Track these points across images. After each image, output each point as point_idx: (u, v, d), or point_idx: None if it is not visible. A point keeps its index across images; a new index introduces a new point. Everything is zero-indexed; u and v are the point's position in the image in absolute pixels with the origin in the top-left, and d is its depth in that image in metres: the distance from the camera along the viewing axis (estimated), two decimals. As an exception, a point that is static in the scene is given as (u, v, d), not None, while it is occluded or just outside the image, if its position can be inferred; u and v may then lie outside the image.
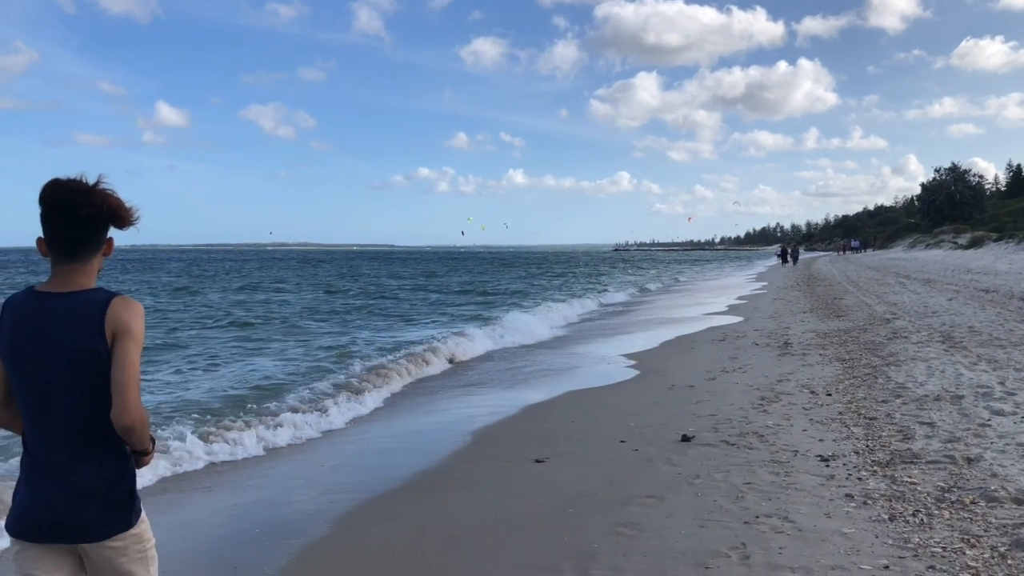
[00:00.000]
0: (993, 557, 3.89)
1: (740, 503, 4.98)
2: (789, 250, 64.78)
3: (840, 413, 7.44)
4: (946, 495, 4.84)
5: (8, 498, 2.38)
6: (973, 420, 6.63)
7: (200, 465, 6.92)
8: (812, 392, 8.56)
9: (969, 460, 5.51)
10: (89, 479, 2.25)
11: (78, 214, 2.21)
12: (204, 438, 7.49)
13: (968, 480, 5.09)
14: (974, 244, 47.27)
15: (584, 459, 6.41)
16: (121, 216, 2.29)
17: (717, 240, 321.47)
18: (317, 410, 8.84)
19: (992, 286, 21.55)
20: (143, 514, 2.39)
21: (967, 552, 3.96)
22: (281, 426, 8.06)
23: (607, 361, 12.64)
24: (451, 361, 13.01)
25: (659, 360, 12.16)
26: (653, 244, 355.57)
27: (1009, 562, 3.81)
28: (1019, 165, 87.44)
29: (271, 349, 15.23)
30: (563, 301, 26.60)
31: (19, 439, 2.36)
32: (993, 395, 7.54)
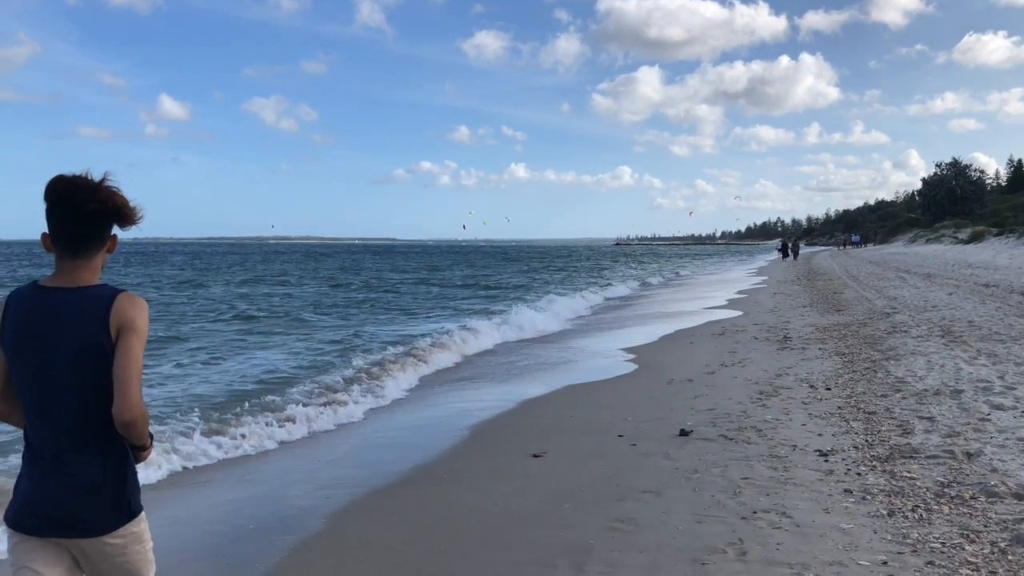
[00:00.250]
0: (993, 552, 3.85)
1: (738, 498, 4.94)
2: (790, 244, 64.75)
3: (839, 407, 7.39)
4: (945, 490, 4.80)
5: (10, 488, 2.38)
6: (973, 415, 6.59)
7: (204, 461, 6.82)
8: (811, 386, 8.52)
9: (969, 455, 5.47)
10: (90, 474, 2.25)
11: (83, 210, 2.22)
12: (207, 434, 7.43)
13: (968, 475, 5.05)
14: (974, 239, 47.19)
15: (581, 454, 6.37)
16: (125, 214, 2.30)
17: (718, 235, 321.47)
18: (320, 405, 8.77)
19: (992, 281, 21.49)
20: (143, 514, 2.38)
21: (966, 548, 3.92)
22: (288, 422, 7.99)
23: (606, 355, 12.60)
24: (460, 355, 12.91)
25: (658, 354, 12.12)
26: (654, 238, 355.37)
27: (1009, 558, 3.77)
28: (1020, 160, 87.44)
29: (276, 343, 15.16)
30: (565, 295, 26.55)
31: (21, 435, 2.35)
32: (993, 389, 7.49)
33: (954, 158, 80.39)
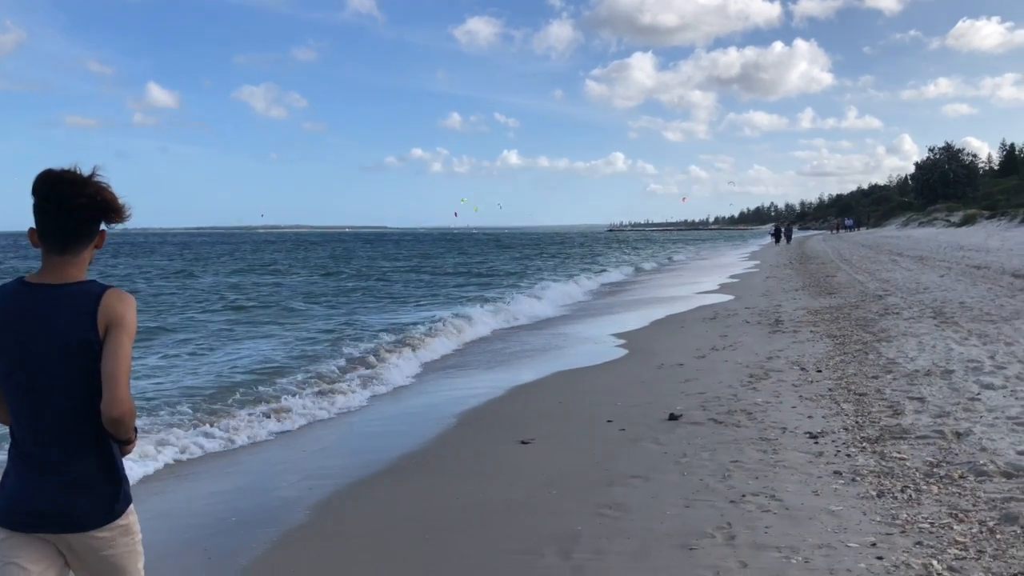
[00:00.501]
0: (981, 532, 3.81)
1: (727, 482, 4.89)
2: (783, 229, 64.81)
3: (830, 390, 7.35)
4: (935, 470, 4.77)
5: None
6: (963, 394, 6.56)
7: (198, 453, 6.71)
8: (802, 369, 8.48)
9: (958, 435, 5.43)
10: (77, 469, 2.24)
11: (71, 205, 2.20)
12: (197, 425, 7.35)
13: (957, 455, 5.01)
14: (967, 222, 47.25)
15: (570, 440, 6.31)
16: (114, 210, 2.28)
17: (711, 220, 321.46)
18: (311, 395, 8.67)
19: (984, 263, 21.51)
20: (131, 506, 2.37)
21: (955, 527, 3.88)
22: (280, 412, 7.87)
23: (597, 341, 12.54)
24: (453, 343, 12.80)
25: (649, 339, 12.07)
26: (648, 224, 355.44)
27: (998, 536, 3.73)
28: (1012, 144, 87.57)
29: (266, 333, 15.06)
30: (559, 281, 26.55)
31: (7, 432, 2.33)
32: (983, 369, 7.46)
33: (947, 142, 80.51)
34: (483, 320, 15.21)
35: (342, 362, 10.80)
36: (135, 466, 5.87)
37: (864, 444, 5.47)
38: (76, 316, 2.20)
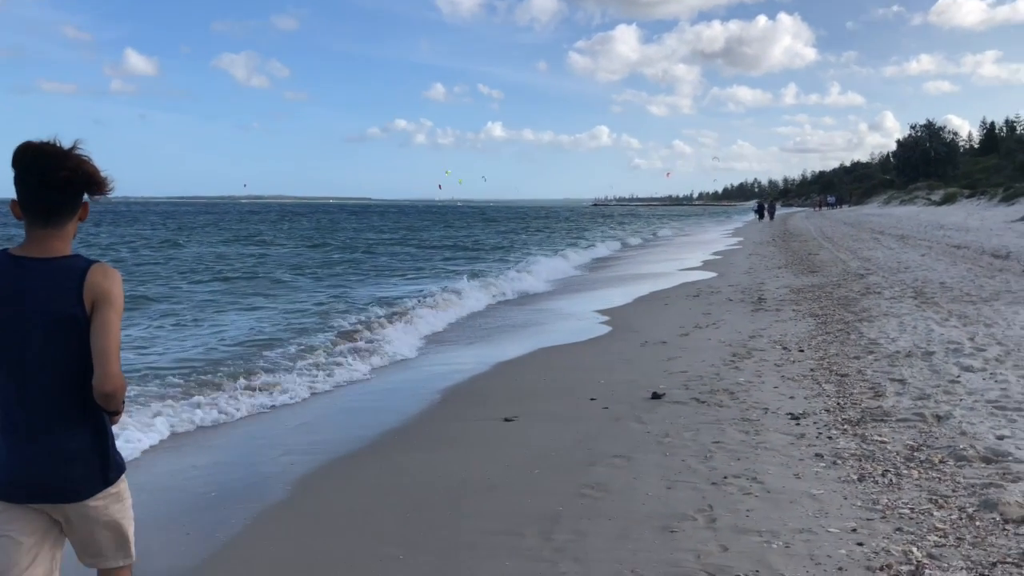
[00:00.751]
0: (961, 518, 3.83)
1: (708, 463, 4.89)
2: (766, 206, 65.04)
3: (812, 370, 7.38)
4: (915, 454, 4.79)
5: None
6: (943, 376, 6.60)
7: (188, 428, 6.55)
8: (784, 348, 8.51)
9: (939, 418, 5.46)
10: (67, 442, 2.28)
11: (53, 179, 2.21)
12: (186, 397, 7.23)
13: (937, 439, 5.04)
14: (947, 200, 47.62)
15: (553, 417, 6.30)
16: (96, 182, 2.29)
17: (695, 195, 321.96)
18: (298, 370, 8.54)
19: (963, 242, 21.68)
20: (123, 473, 2.42)
21: (935, 513, 3.90)
22: (269, 387, 7.75)
23: (581, 317, 12.53)
24: (440, 317, 12.68)
25: (633, 316, 12.07)
26: (632, 199, 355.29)
27: (977, 523, 3.75)
28: (992, 123, 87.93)
29: (254, 305, 14.88)
30: (545, 256, 26.56)
31: None
32: (963, 351, 7.52)
33: (928, 120, 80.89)
34: (472, 294, 15.12)
35: (330, 335, 10.70)
36: (127, 445, 5.76)
37: (845, 426, 5.49)
38: (61, 291, 2.22)
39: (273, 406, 7.31)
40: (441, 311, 13.02)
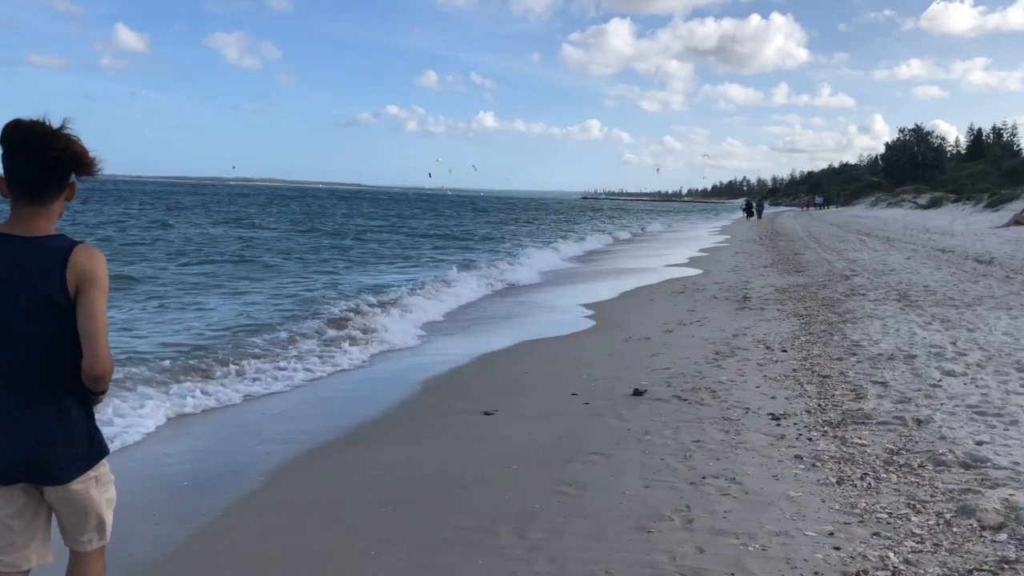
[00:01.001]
0: (938, 524, 3.81)
1: (688, 462, 4.86)
2: (754, 204, 65.24)
3: (794, 370, 7.37)
4: (895, 458, 4.77)
5: None
6: (925, 380, 6.60)
7: (188, 410, 6.47)
8: (768, 348, 8.49)
9: (919, 422, 5.45)
10: (49, 423, 2.27)
11: (41, 158, 2.22)
12: (170, 384, 7.11)
13: (917, 443, 5.03)
14: (933, 204, 47.88)
15: (534, 412, 6.24)
16: (84, 163, 2.29)
17: (684, 192, 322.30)
18: (283, 357, 8.43)
19: (948, 246, 21.80)
20: (105, 456, 2.43)
21: (912, 519, 3.88)
22: (245, 373, 7.65)
23: (566, 310, 12.49)
24: (427, 307, 12.56)
25: (618, 311, 12.04)
26: (622, 194, 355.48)
27: (954, 530, 3.74)
28: (980, 129, 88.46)
29: (244, 290, 14.69)
30: (538, 248, 26.57)
31: None
32: (945, 355, 7.52)
33: (917, 124, 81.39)
34: (461, 285, 15.05)
35: (318, 322, 10.59)
36: (109, 430, 5.62)
37: (826, 428, 5.47)
38: (44, 272, 2.21)
39: (254, 395, 7.18)
40: (430, 300, 12.93)
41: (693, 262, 21.51)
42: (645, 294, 14.20)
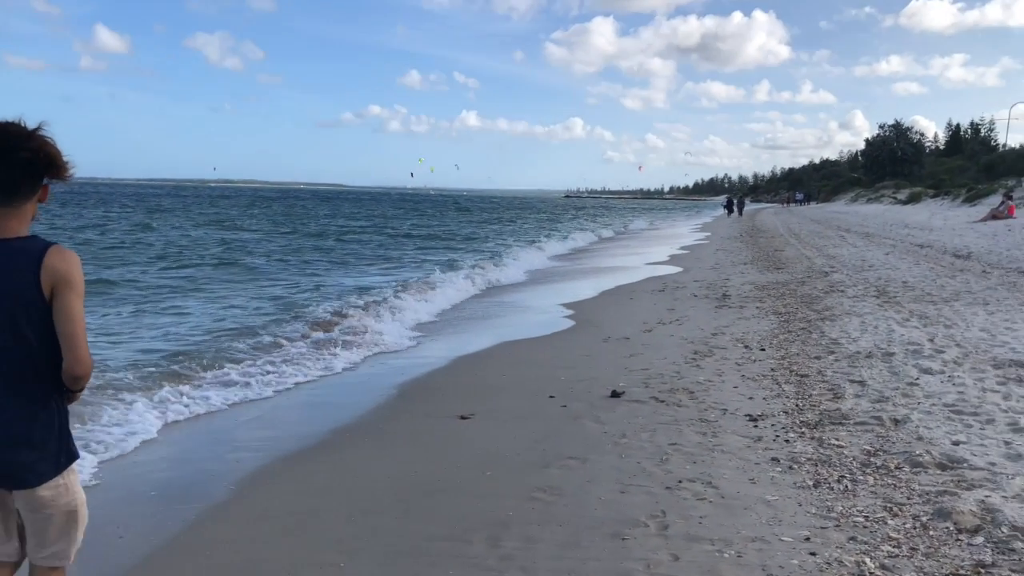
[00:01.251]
0: (915, 527, 3.77)
1: (664, 466, 4.80)
2: (735, 201, 65.58)
3: (772, 369, 7.34)
4: (872, 459, 4.74)
5: None
6: (902, 379, 6.59)
7: (174, 417, 6.34)
8: (746, 347, 8.47)
9: (896, 421, 5.43)
10: (19, 426, 2.25)
11: (14, 158, 2.21)
12: (150, 387, 6.98)
13: (894, 443, 5.00)
14: (912, 200, 48.28)
15: (510, 415, 6.17)
16: (57, 166, 2.29)
17: (667, 189, 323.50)
18: (260, 362, 8.28)
19: (927, 241, 21.95)
20: (74, 465, 2.39)
21: (889, 522, 3.84)
22: (234, 382, 7.48)
23: (546, 311, 12.41)
24: (410, 308, 12.40)
25: (597, 310, 11.99)
26: (604, 192, 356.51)
27: (931, 533, 3.70)
28: (958, 125, 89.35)
29: (227, 293, 14.45)
30: (518, 247, 26.50)
31: None
32: (923, 353, 7.53)
33: (896, 120, 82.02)
34: (444, 286, 14.91)
35: (300, 325, 10.45)
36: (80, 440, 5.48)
37: (803, 429, 5.44)
38: (17, 275, 2.20)
39: (234, 401, 6.97)
40: (413, 302, 12.76)
41: (674, 260, 21.53)
42: (625, 293, 14.17)
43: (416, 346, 9.65)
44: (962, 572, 3.32)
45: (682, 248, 26.40)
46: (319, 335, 9.87)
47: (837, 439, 5.14)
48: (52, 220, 37.98)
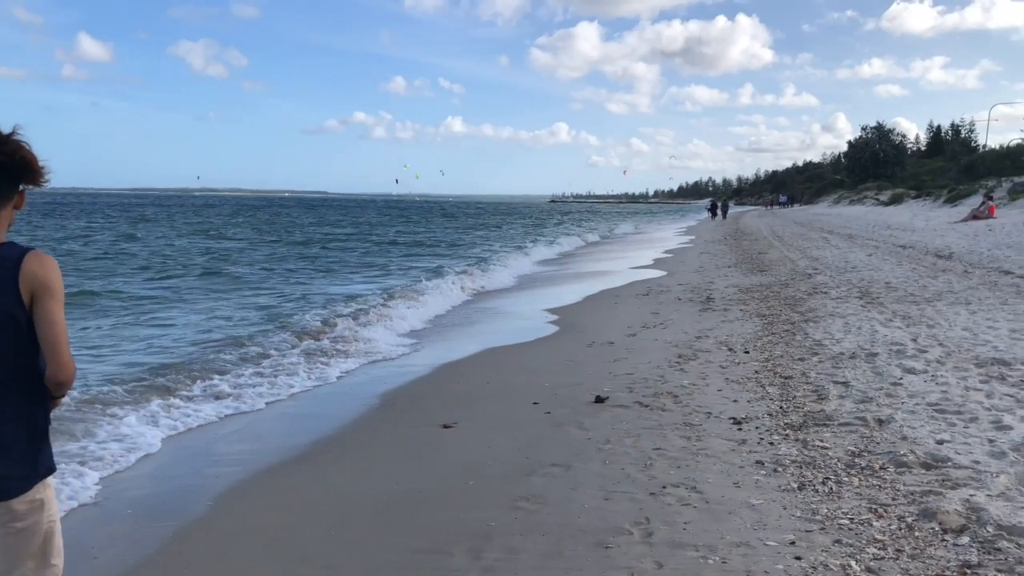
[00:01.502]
0: (900, 529, 3.74)
1: (648, 471, 4.75)
2: (719, 204, 65.89)
3: (756, 372, 7.32)
4: (856, 460, 4.71)
5: None
6: (886, 379, 6.58)
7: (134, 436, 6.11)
8: (730, 349, 8.45)
9: (880, 421, 5.41)
10: (2, 434, 2.20)
11: None
12: (138, 404, 6.83)
13: (878, 443, 4.98)
14: (894, 201, 48.66)
15: (494, 423, 6.11)
16: (32, 171, 2.24)
17: (651, 193, 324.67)
18: (246, 373, 8.17)
19: (909, 242, 22.09)
20: (51, 479, 2.33)
21: (874, 524, 3.81)
22: (215, 393, 7.39)
23: (530, 316, 12.37)
24: (393, 316, 12.29)
25: (581, 315, 11.95)
26: (589, 196, 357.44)
27: (916, 534, 3.67)
28: (939, 126, 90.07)
29: (210, 304, 14.27)
30: (504, 253, 26.50)
31: None
32: (906, 353, 7.53)
33: (878, 122, 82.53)
34: (430, 292, 14.81)
35: (286, 335, 10.35)
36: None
37: (787, 431, 5.41)
38: None
39: (221, 414, 6.84)
40: (400, 310, 12.68)
41: (658, 264, 21.55)
42: (610, 297, 14.15)
43: (410, 353, 9.56)
44: (948, 573, 3.29)
45: (666, 252, 26.45)
46: (309, 344, 9.80)
47: (821, 440, 5.12)
48: (33, 231, 37.61)
